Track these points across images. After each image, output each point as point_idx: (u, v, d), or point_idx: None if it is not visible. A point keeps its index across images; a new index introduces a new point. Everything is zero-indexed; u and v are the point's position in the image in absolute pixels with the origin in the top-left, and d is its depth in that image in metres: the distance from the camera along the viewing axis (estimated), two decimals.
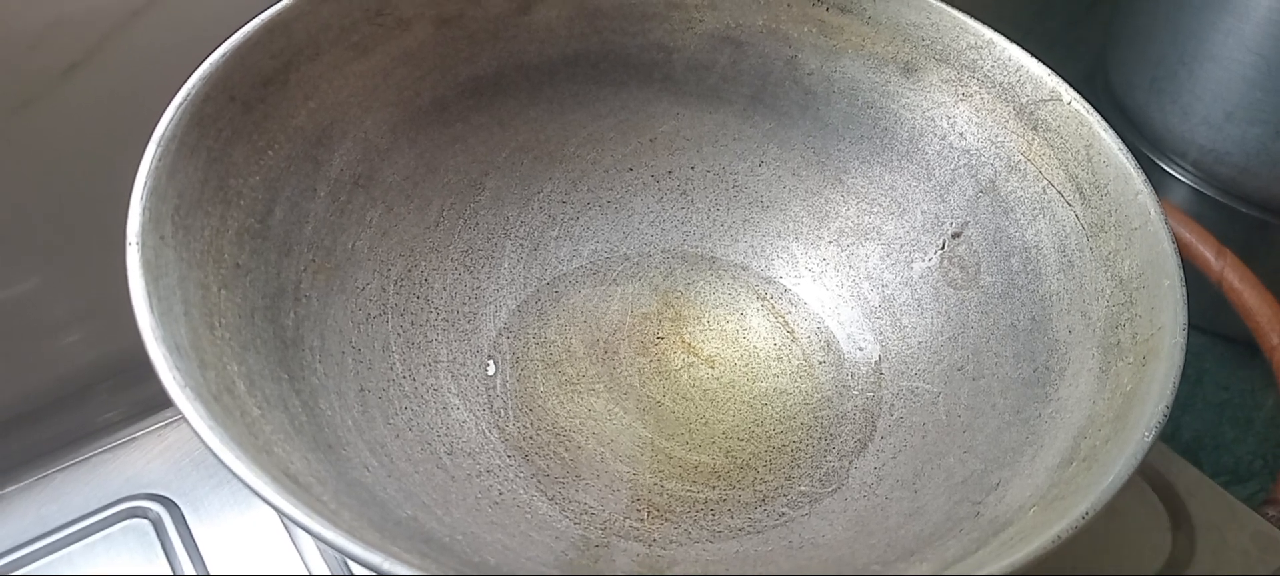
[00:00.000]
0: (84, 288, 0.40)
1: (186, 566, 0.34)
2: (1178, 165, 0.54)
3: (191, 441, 0.36)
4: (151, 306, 0.25)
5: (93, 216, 0.36)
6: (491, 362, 0.37)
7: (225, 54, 0.31)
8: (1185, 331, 0.28)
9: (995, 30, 0.37)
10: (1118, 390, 0.28)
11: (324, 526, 0.22)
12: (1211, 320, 0.54)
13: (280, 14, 0.33)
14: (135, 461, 0.37)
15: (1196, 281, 0.44)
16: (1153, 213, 0.31)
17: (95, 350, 0.41)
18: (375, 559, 0.22)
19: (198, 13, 0.37)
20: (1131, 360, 0.29)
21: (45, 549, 0.34)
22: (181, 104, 0.30)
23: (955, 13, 0.37)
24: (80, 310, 0.41)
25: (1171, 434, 0.54)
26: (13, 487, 0.36)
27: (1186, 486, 0.37)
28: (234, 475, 0.22)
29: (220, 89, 0.31)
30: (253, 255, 0.31)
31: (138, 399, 0.39)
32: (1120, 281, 0.31)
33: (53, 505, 0.35)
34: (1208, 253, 0.47)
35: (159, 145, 0.29)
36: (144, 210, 0.28)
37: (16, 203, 0.38)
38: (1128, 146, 0.33)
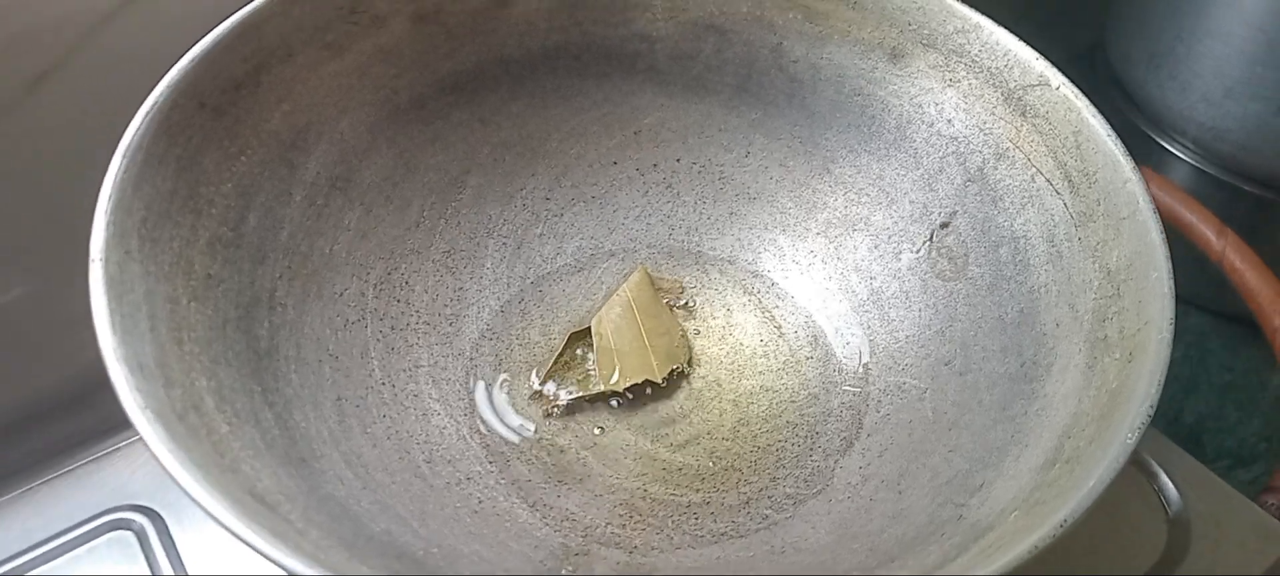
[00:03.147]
0: (61, 300, 0.40)
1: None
2: (1178, 142, 0.53)
3: None
4: (114, 325, 0.25)
5: (66, 229, 0.36)
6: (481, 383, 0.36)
7: (193, 60, 0.31)
8: (1172, 326, 0.27)
9: (992, 7, 0.36)
10: (1104, 387, 0.28)
11: (283, 552, 0.22)
12: (1215, 300, 0.53)
13: (250, 16, 0.33)
14: (119, 472, 0.37)
15: (1198, 262, 0.43)
16: (1141, 202, 0.30)
17: (75, 363, 0.40)
18: None
19: (166, 18, 0.37)
20: (1118, 356, 0.28)
21: (31, 561, 0.35)
22: (148, 113, 0.30)
23: None
24: (58, 323, 0.40)
25: (1175, 416, 0.53)
26: None
27: (1182, 476, 0.37)
28: (190, 498, 0.22)
29: (188, 95, 0.31)
30: (225, 265, 0.31)
31: (120, 411, 0.38)
32: (1108, 273, 0.30)
33: (37, 518, 0.36)
34: (1209, 232, 0.45)
35: (124, 156, 0.29)
36: (108, 224, 0.27)
37: None
38: (1125, 125, 0.33)
